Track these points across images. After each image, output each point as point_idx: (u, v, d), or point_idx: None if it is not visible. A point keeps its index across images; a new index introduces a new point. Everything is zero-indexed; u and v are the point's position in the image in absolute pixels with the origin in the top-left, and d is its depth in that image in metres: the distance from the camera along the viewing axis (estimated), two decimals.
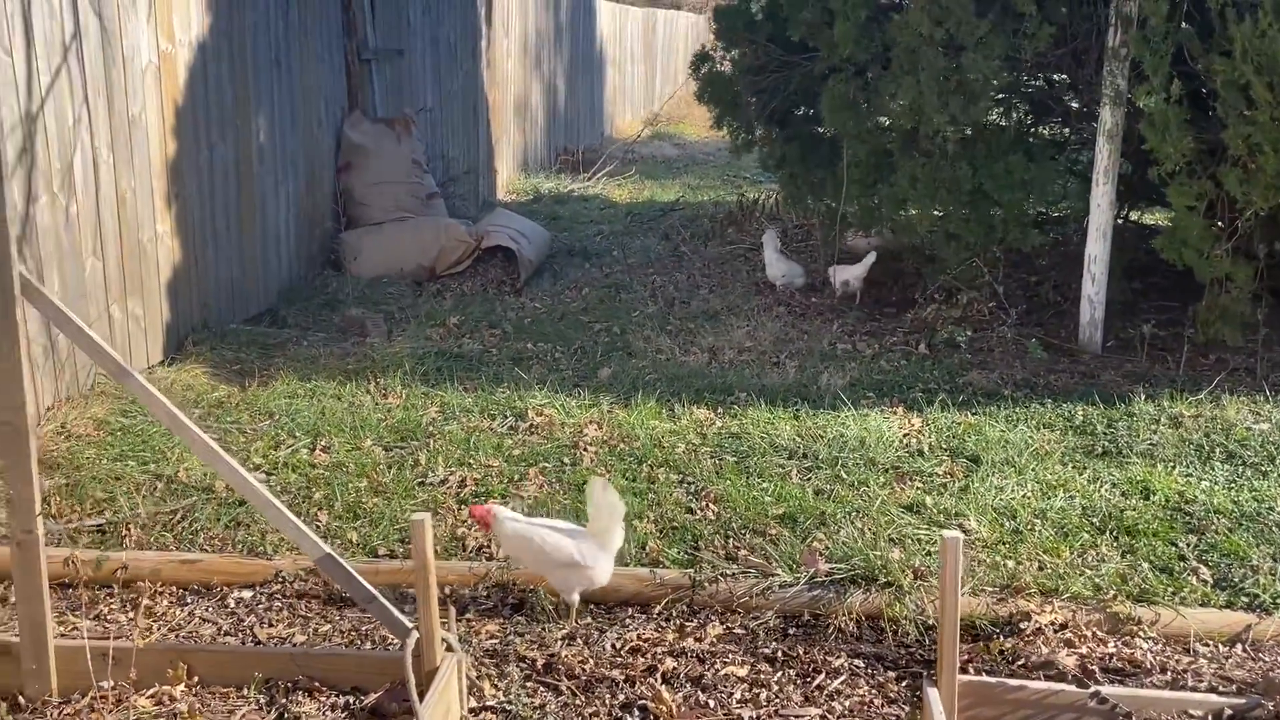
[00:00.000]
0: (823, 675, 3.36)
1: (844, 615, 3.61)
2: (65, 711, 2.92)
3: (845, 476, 4.61)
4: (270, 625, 3.64)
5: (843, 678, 3.36)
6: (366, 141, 8.24)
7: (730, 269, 8.48)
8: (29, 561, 2.93)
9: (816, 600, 3.69)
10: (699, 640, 3.52)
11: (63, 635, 3.10)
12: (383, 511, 4.37)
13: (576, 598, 3.60)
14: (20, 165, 4.95)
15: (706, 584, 3.75)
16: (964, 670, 3.22)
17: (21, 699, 3.02)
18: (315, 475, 4.69)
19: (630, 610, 3.73)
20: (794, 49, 7.32)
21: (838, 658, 3.44)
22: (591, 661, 3.39)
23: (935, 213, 6.82)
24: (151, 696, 2.97)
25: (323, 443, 5.04)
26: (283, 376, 5.92)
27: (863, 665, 3.43)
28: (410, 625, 2.97)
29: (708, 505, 4.39)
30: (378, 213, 8.14)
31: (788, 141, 7.80)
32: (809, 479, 4.61)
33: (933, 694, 2.79)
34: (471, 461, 4.83)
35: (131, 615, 3.71)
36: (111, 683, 2.98)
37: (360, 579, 3.01)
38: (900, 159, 6.79)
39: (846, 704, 3.23)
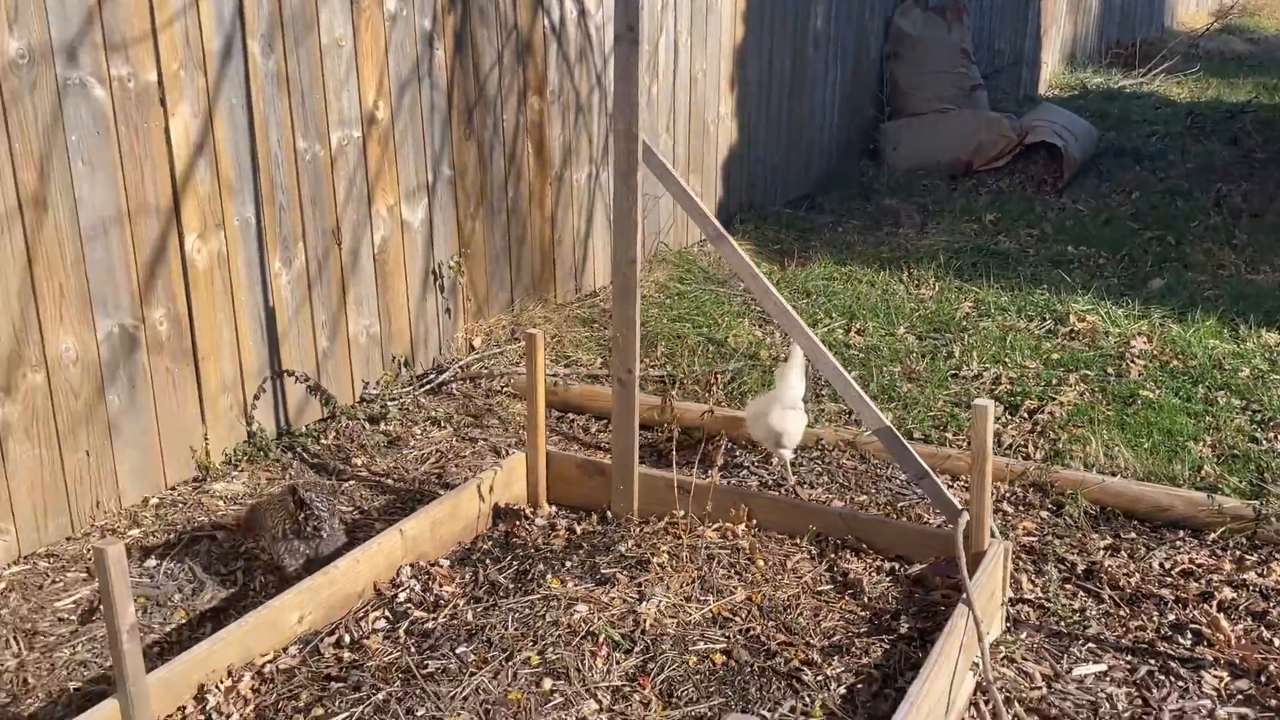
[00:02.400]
0: None
1: None
2: (645, 530, 3.33)
3: None
4: (811, 487, 3.87)
5: None
6: (916, 30, 8.15)
7: None
8: (627, 397, 3.35)
9: None
10: (1262, 576, 3.26)
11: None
12: (915, 397, 4.45)
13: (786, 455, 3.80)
14: None
15: (1274, 519, 3.44)
16: None
17: (609, 513, 3.49)
18: (850, 355, 4.86)
19: (1180, 533, 3.52)
20: None
21: None
22: (1138, 576, 3.26)
23: None
24: (717, 530, 3.30)
25: (857, 325, 5.20)
26: (819, 259, 6.15)
27: None
28: (960, 507, 3.03)
29: (1277, 437, 4.00)
30: (920, 103, 8.07)
31: None
32: None
33: None
34: (1007, 360, 4.75)
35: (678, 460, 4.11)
36: (683, 512, 3.34)
37: (915, 455, 3.11)
38: None
39: None
